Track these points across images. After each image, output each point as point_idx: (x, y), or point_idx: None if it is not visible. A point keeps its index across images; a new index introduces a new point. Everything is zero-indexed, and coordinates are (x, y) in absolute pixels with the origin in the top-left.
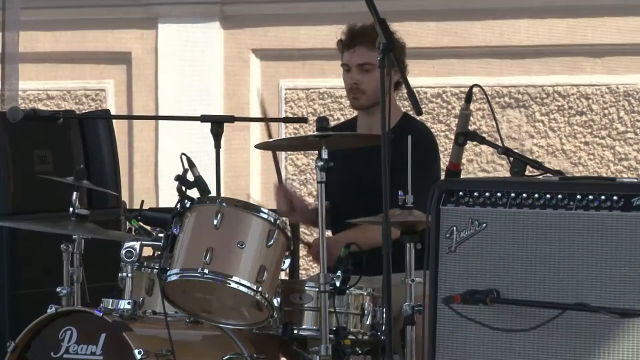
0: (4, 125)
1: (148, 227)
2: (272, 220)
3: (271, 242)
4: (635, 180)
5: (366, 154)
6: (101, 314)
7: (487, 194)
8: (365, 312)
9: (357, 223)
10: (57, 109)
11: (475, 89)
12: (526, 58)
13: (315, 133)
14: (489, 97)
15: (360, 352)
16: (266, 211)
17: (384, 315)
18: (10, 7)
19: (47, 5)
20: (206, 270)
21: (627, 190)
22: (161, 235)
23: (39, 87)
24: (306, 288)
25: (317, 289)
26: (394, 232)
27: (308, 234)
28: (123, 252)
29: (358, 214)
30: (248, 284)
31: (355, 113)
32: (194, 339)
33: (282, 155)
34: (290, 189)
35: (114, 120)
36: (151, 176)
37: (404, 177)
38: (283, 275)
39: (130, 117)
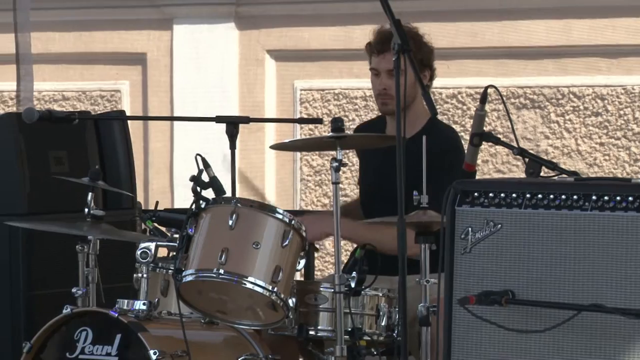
0: (20, 126)
1: (163, 228)
2: (287, 221)
3: (286, 243)
4: None
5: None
6: (116, 315)
7: (502, 194)
8: (381, 313)
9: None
10: (72, 109)
11: (490, 90)
12: (541, 59)
13: (330, 134)
14: (504, 98)
15: (375, 353)
16: (281, 211)
17: (399, 317)
18: (21, 8)
19: (62, 6)
20: (222, 271)
21: None
22: (176, 235)
23: (55, 88)
24: (321, 289)
25: (333, 290)
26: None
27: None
28: (138, 252)
29: (387, 213)
30: (263, 284)
31: (375, 112)
32: (210, 339)
33: (297, 155)
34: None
35: (129, 121)
36: (166, 177)
37: (435, 179)
38: (298, 276)
39: (145, 118)
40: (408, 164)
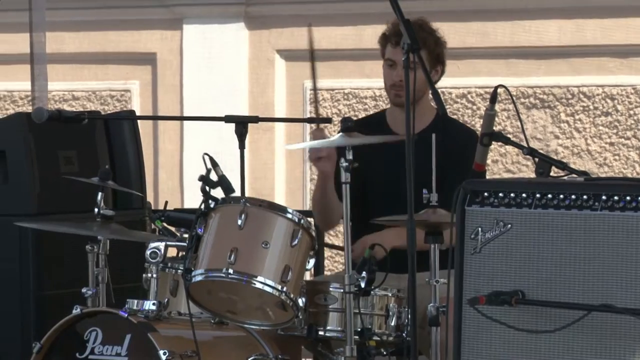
0: (30, 125)
1: (172, 228)
2: (296, 220)
3: (295, 242)
4: None
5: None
6: (126, 315)
7: (512, 194)
8: (390, 313)
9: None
10: (82, 109)
11: (500, 90)
12: (551, 59)
13: (340, 134)
14: (514, 98)
15: (385, 353)
16: (290, 211)
17: (409, 316)
18: (36, 8)
19: (72, 6)
20: (231, 271)
21: None
22: (186, 235)
23: (65, 88)
24: (331, 289)
25: (342, 290)
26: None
27: (333, 233)
28: (148, 252)
29: (396, 209)
30: (273, 284)
31: (379, 108)
32: (219, 339)
33: (307, 155)
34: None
35: (139, 121)
36: (176, 177)
37: (450, 174)
38: (308, 276)
39: (155, 118)
40: (419, 160)
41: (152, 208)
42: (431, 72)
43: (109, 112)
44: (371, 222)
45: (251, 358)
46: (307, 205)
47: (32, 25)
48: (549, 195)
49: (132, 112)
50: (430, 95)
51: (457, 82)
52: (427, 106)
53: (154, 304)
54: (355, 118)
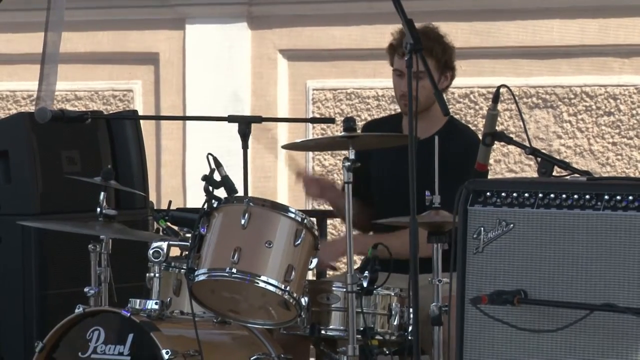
0: (32, 125)
1: (176, 228)
2: (300, 220)
3: (298, 242)
4: None
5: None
6: (129, 314)
7: (514, 194)
8: (393, 312)
9: (394, 227)
10: (85, 109)
11: (502, 89)
12: (554, 58)
13: (343, 133)
14: (517, 98)
15: (387, 352)
16: (293, 210)
17: (412, 316)
18: (56, 7)
19: (74, 6)
20: (234, 270)
21: None
22: (189, 235)
23: (67, 88)
24: (333, 288)
25: (345, 289)
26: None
27: (335, 234)
28: (150, 252)
29: (400, 211)
30: (276, 283)
31: (387, 112)
32: (222, 339)
33: (309, 155)
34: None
35: (141, 121)
36: (179, 176)
37: (453, 178)
38: (310, 275)
39: (157, 118)
40: (425, 164)
41: (155, 208)
42: (441, 79)
43: (111, 112)
44: (374, 223)
45: (254, 357)
46: (310, 205)
47: (49, 24)
48: (552, 195)
49: (135, 112)
50: None
51: (459, 82)
52: (439, 112)
53: (156, 303)
54: (357, 118)
